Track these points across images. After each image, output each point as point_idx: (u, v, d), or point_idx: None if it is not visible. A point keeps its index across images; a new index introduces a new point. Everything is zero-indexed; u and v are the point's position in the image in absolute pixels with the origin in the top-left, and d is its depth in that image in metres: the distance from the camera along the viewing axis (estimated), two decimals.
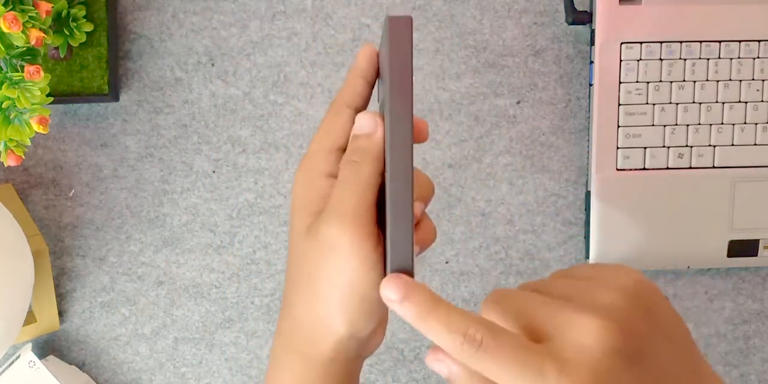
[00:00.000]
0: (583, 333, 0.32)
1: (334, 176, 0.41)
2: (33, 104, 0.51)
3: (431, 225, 0.43)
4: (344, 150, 0.42)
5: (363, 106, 0.43)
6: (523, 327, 0.34)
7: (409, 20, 0.39)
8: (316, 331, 0.41)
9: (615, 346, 0.32)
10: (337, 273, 0.39)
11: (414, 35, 0.67)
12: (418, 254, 0.42)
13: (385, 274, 0.38)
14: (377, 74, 0.43)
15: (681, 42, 0.65)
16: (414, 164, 0.43)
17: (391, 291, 0.35)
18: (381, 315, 0.41)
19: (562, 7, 0.67)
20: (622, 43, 0.64)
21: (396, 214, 0.37)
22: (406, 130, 0.38)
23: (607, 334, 0.32)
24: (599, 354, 0.32)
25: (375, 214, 0.39)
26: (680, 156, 0.66)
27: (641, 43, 0.64)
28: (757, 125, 0.66)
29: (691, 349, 0.35)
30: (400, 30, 0.39)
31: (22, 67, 0.51)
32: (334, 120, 0.42)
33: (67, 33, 0.59)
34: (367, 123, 0.40)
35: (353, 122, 0.42)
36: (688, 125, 0.65)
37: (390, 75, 0.39)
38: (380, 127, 0.40)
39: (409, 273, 0.37)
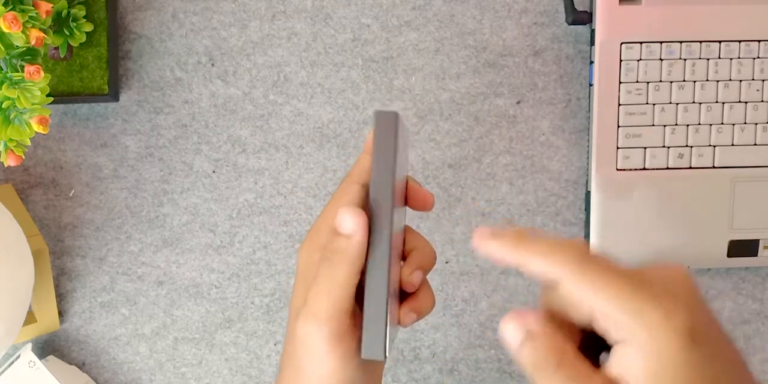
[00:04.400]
0: (679, 278, 0.34)
1: None
2: (33, 104, 0.51)
3: (430, 294, 0.44)
4: None
5: None
6: (626, 266, 0.35)
7: (393, 116, 0.41)
8: None
9: (696, 289, 0.34)
10: (313, 364, 0.41)
11: (414, 35, 0.67)
12: (415, 321, 0.44)
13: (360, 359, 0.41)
14: None
15: (681, 42, 0.65)
16: (402, 218, 0.46)
17: (482, 231, 0.37)
18: None
19: (562, 7, 0.67)
20: (622, 43, 0.64)
21: (369, 309, 0.40)
22: (384, 239, 0.40)
23: (689, 279, 0.34)
24: (693, 293, 0.34)
25: (352, 304, 0.41)
26: (680, 156, 0.66)
27: (641, 43, 0.64)
28: (757, 125, 0.66)
29: (731, 353, 0.36)
30: (384, 124, 0.41)
31: (22, 67, 0.51)
32: (342, 196, 0.44)
33: (67, 33, 0.59)
34: (347, 224, 0.41)
35: (361, 199, 0.43)
36: (688, 125, 0.65)
37: (373, 166, 0.41)
38: (359, 233, 0.41)
39: (380, 358, 0.40)
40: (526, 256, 0.36)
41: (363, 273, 0.41)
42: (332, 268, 0.41)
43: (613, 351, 0.34)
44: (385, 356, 0.40)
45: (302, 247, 0.44)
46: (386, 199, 0.41)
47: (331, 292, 0.41)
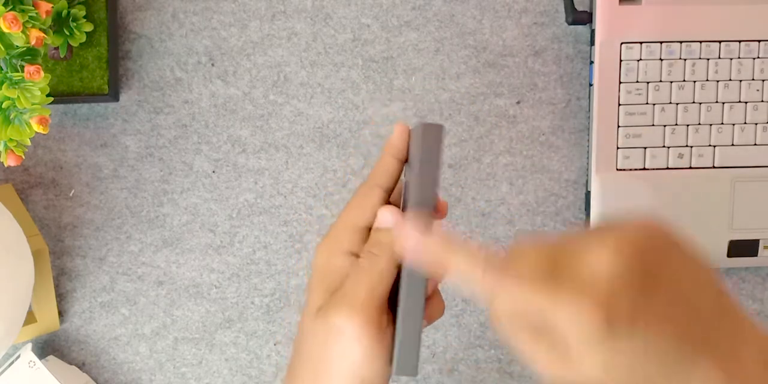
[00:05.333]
0: (598, 256, 0.33)
1: (355, 255, 0.43)
2: (33, 104, 0.51)
3: (441, 301, 0.45)
4: (369, 229, 0.44)
5: (393, 186, 0.45)
6: (546, 257, 0.35)
7: (440, 129, 0.42)
8: None
9: (628, 270, 0.33)
10: (341, 358, 0.41)
11: (414, 35, 0.67)
12: (425, 326, 0.44)
13: (390, 369, 0.41)
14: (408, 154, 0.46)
15: (681, 42, 0.65)
16: None
17: (407, 230, 0.38)
18: None
19: (562, 7, 0.67)
20: (622, 43, 0.64)
21: (406, 322, 0.41)
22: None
23: (620, 258, 0.33)
24: (612, 275, 0.33)
25: (385, 303, 0.42)
26: (680, 156, 0.66)
27: (641, 43, 0.64)
28: (757, 125, 0.66)
29: (713, 284, 0.36)
30: (431, 137, 0.42)
31: (22, 67, 0.51)
32: (363, 199, 0.44)
33: (67, 33, 0.59)
34: (386, 219, 0.43)
35: (382, 202, 0.44)
36: (688, 125, 0.65)
37: (416, 177, 0.41)
38: (399, 225, 0.42)
39: (412, 375, 0.41)
40: (446, 267, 0.37)
41: (398, 273, 0.42)
42: (373, 259, 0.42)
43: None
44: (416, 375, 0.41)
45: (320, 249, 0.44)
46: (428, 209, 0.41)
47: (370, 281, 0.41)
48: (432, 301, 0.44)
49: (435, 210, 0.42)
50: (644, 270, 0.33)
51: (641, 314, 0.33)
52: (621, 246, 0.33)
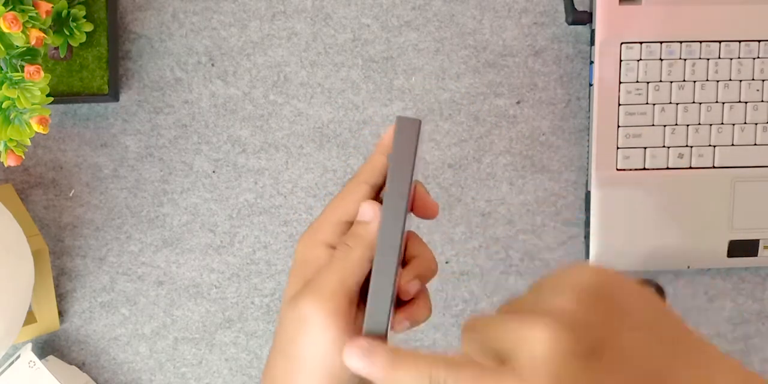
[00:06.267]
0: (535, 344, 0.33)
1: (333, 247, 0.43)
2: (33, 104, 0.51)
3: (426, 304, 0.45)
4: (351, 224, 0.44)
5: (380, 182, 0.45)
6: (492, 350, 0.35)
7: (416, 123, 0.42)
8: None
9: (567, 349, 0.32)
10: (310, 348, 0.41)
11: (414, 35, 0.67)
12: (408, 329, 0.44)
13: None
14: None
15: (681, 42, 0.65)
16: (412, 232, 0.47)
17: (354, 359, 0.38)
18: None
19: (562, 7, 0.67)
20: (622, 43, 0.64)
21: (376, 289, 0.41)
22: (395, 227, 0.41)
23: (556, 341, 0.32)
24: (552, 361, 0.32)
25: (356, 295, 0.42)
26: (680, 156, 0.66)
27: (641, 43, 0.64)
28: (757, 125, 0.66)
29: (669, 330, 0.35)
30: (406, 131, 0.42)
31: (22, 67, 0.51)
32: (348, 194, 0.44)
33: (67, 33, 0.59)
34: (366, 212, 0.43)
35: (367, 197, 0.44)
36: (688, 125, 0.65)
37: (391, 170, 0.42)
38: (377, 219, 0.42)
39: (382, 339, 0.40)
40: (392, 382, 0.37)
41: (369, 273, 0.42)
42: (347, 251, 0.42)
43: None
44: (386, 334, 0.40)
45: (301, 240, 0.45)
46: (401, 204, 0.42)
47: (342, 271, 0.41)
48: (416, 303, 0.44)
49: (409, 204, 0.42)
50: (585, 348, 0.33)
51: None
52: (560, 325, 0.33)
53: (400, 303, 0.45)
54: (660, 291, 0.68)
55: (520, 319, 0.34)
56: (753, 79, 0.65)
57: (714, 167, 0.66)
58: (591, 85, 0.66)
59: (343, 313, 0.41)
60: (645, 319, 0.35)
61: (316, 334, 0.41)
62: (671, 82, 0.65)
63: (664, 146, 0.65)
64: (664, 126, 0.65)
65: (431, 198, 0.46)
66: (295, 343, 0.42)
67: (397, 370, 0.36)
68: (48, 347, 0.67)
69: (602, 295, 0.35)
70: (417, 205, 0.46)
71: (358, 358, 0.38)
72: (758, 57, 0.65)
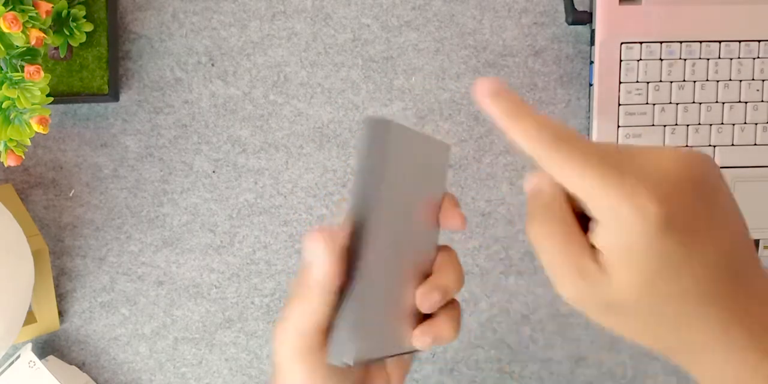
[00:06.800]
0: (667, 157, 0.33)
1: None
2: (33, 104, 0.51)
3: (451, 319, 0.43)
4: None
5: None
6: (612, 146, 0.35)
7: (383, 124, 0.39)
8: None
9: (693, 176, 0.33)
10: (289, 375, 0.41)
11: (414, 35, 0.67)
12: (431, 345, 0.42)
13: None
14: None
15: (681, 42, 0.65)
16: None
17: (483, 86, 0.36)
18: None
19: (562, 7, 0.67)
20: (622, 43, 0.64)
21: (341, 315, 0.39)
22: (363, 240, 0.38)
23: (689, 164, 0.33)
24: (677, 175, 0.33)
25: (324, 326, 0.39)
26: None
27: (641, 43, 0.64)
28: (757, 125, 0.66)
29: (746, 230, 0.37)
30: (371, 132, 0.39)
31: (22, 67, 0.51)
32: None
33: (67, 33, 0.59)
34: (310, 253, 0.39)
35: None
36: (688, 125, 0.65)
37: (355, 184, 0.39)
38: (318, 259, 0.39)
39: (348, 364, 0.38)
40: (511, 129, 0.36)
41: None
42: (303, 296, 0.40)
43: (591, 224, 0.35)
44: (350, 363, 0.39)
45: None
46: (370, 205, 0.39)
47: (303, 310, 0.40)
48: (438, 318, 0.42)
49: (372, 209, 0.39)
50: (706, 187, 0.33)
51: (696, 224, 0.33)
52: (692, 158, 0.34)
53: (422, 318, 0.43)
54: None
55: (620, 181, 0.33)
56: (753, 79, 0.65)
57: None
58: (591, 85, 0.66)
59: (309, 349, 0.39)
60: (709, 226, 0.35)
61: (288, 366, 0.40)
62: (671, 82, 0.65)
63: None
64: (664, 126, 0.65)
65: (458, 209, 0.45)
66: (277, 368, 0.42)
67: (520, 118, 0.35)
68: (48, 347, 0.67)
69: (715, 169, 0.35)
70: (441, 215, 0.45)
71: (489, 86, 0.36)
72: (758, 57, 0.65)
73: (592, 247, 0.34)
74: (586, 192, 0.33)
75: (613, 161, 0.33)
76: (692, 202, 0.33)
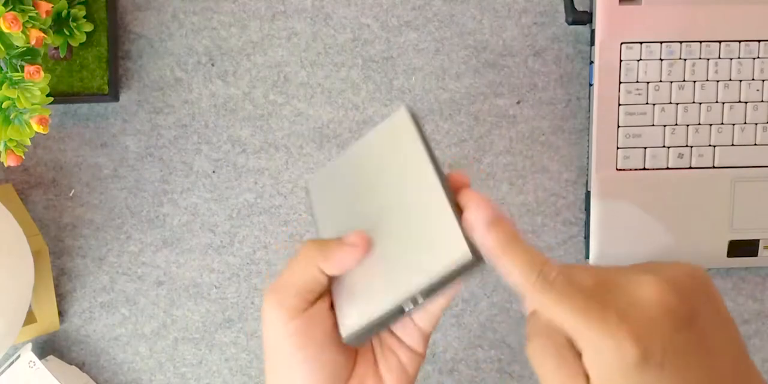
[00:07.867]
0: (644, 289, 0.35)
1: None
2: (33, 104, 0.51)
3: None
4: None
5: None
6: (595, 280, 0.37)
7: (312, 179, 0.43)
8: None
9: (669, 306, 0.35)
10: (279, 347, 0.43)
11: (414, 35, 0.67)
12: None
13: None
14: None
15: (681, 42, 0.65)
16: None
17: (479, 214, 0.39)
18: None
19: (562, 7, 0.67)
20: (622, 43, 0.64)
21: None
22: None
23: (664, 294, 0.35)
24: (654, 309, 0.35)
25: (305, 292, 0.43)
26: (680, 156, 0.66)
27: (641, 43, 0.64)
28: (757, 125, 0.66)
29: (739, 341, 0.37)
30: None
31: (22, 67, 0.51)
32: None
33: (67, 33, 0.59)
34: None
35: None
36: (688, 125, 0.65)
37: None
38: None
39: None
40: (502, 264, 0.38)
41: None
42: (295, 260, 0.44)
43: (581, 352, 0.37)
44: (343, 339, 0.42)
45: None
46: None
47: (295, 273, 0.43)
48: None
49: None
50: (685, 316, 0.35)
51: (674, 358, 0.34)
52: (672, 286, 0.35)
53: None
54: None
55: (636, 269, 0.37)
56: (753, 79, 0.65)
57: (714, 167, 0.66)
58: (591, 85, 0.66)
59: (288, 306, 0.42)
60: (726, 322, 0.37)
61: (270, 323, 0.42)
62: (671, 82, 0.65)
63: (664, 146, 0.65)
64: (664, 126, 0.65)
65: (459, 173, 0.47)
66: (266, 347, 0.44)
67: (515, 249, 0.38)
68: (48, 347, 0.67)
69: (703, 287, 0.37)
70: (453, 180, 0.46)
71: (483, 223, 0.39)
72: (758, 57, 0.65)
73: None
74: (572, 328, 0.36)
75: (598, 298, 0.36)
76: (670, 335, 0.34)
